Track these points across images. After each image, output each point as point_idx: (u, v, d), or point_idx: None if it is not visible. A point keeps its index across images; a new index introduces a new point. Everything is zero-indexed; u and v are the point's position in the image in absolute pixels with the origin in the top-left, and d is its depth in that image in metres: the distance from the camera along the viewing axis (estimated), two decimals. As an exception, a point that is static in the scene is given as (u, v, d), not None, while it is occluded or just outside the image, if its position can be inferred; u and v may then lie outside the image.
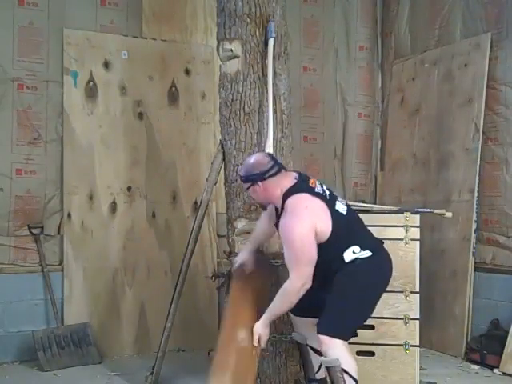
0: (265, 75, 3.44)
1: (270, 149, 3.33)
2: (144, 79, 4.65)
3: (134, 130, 4.61)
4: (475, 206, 4.43)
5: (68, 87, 4.43)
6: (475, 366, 4.13)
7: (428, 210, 3.96)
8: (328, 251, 2.76)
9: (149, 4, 4.71)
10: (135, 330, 4.53)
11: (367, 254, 2.77)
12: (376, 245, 2.87)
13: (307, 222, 2.69)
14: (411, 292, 3.58)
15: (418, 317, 3.58)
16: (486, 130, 4.46)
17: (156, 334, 4.07)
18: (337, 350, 2.70)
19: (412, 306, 3.58)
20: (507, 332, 4.04)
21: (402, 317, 3.56)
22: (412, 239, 3.61)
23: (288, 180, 2.84)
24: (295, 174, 2.88)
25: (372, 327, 3.58)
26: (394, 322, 3.58)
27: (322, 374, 3.01)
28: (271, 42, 3.41)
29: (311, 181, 2.85)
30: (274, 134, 3.46)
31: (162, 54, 4.70)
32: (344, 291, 2.78)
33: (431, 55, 4.97)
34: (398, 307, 3.58)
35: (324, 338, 2.73)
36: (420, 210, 3.87)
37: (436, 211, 3.89)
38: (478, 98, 4.48)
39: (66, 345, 4.21)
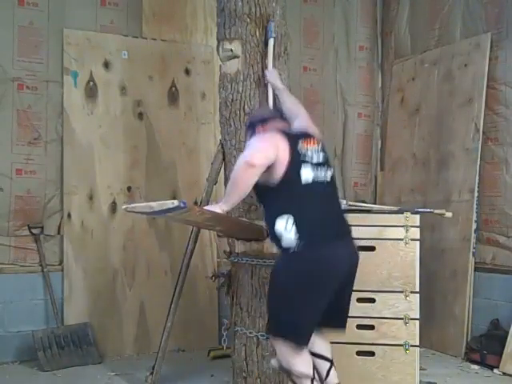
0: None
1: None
2: (144, 79, 4.65)
3: (134, 130, 4.61)
4: (475, 206, 4.43)
5: (68, 87, 4.43)
6: (475, 366, 4.13)
7: (428, 210, 3.96)
8: (268, 201, 2.72)
9: (149, 4, 4.71)
10: (135, 329, 4.54)
11: (294, 234, 2.57)
12: (327, 234, 2.65)
13: (271, 141, 2.64)
14: (411, 292, 3.58)
15: (417, 317, 3.58)
16: (486, 130, 4.46)
17: (156, 334, 4.08)
18: (279, 351, 2.70)
19: (412, 306, 3.58)
20: (507, 332, 4.04)
21: (402, 317, 3.56)
22: (412, 239, 3.61)
23: (285, 125, 2.87)
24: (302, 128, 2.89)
25: (372, 327, 3.59)
26: (393, 321, 3.58)
27: (334, 379, 2.91)
28: (271, 41, 3.41)
29: (308, 140, 2.73)
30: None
31: (162, 54, 4.70)
32: (277, 292, 2.69)
33: (431, 55, 4.97)
34: (398, 307, 3.58)
35: (271, 341, 2.75)
36: (420, 210, 3.87)
37: (436, 211, 3.89)
38: (478, 98, 4.48)
39: (66, 345, 4.22)
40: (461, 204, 4.49)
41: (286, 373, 2.74)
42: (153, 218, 4.56)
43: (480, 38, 4.53)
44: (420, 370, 3.61)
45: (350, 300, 2.89)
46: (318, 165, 2.71)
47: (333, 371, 2.90)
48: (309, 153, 2.70)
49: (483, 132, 4.45)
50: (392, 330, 3.58)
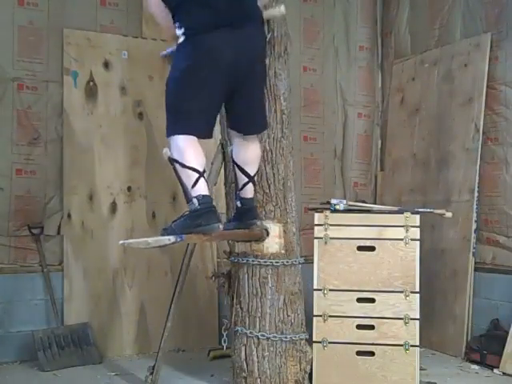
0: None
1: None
2: (144, 79, 4.65)
3: (133, 130, 4.61)
4: (475, 206, 4.43)
5: (68, 87, 4.43)
6: (475, 366, 4.12)
7: (428, 210, 3.96)
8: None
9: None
10: (135, 330, 4.53)
11: (183, 28, 2.75)
12: (212, 23, 2.74)
13: None
14: (411, 292, 3.58)
15: (418, 317, 3.58)
16: (486, 130, 4.46)
17: (156, 334, 4.07)
18: (174, 144, 2.79)
19: (412, 305, 3.58)
20: (507, 332, 4.04)
21: (402, 317, 3.57)
22: (412, 239, 3.61)
23: None
24: None
25: (372, 327, 3.59)
26: (393, 321, 3.58)
27: (246, 194, 3.12)
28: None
29: None
30: (273, 133, 3.47)
31: (161, 53, 4.70)
32: (168, 84, 2.88)
33: (431, 55, 4.97)
34: (398, 307, 3.58)
35: (168, 140, 2.83)
36: (420, 210, 3.87)
37: (436, 211, 3.89)
38: (477, 98, 4.48)
39: (66, 345, 4.21)
40: (461, 204, 4.49)
41: (176, 163, 2.82)
42: (152, 218, 4.58)
43: (480, 38, 4.53)
44: (420, 370, 3.61)
45: (257, 105, 3.02)
46: None
47: (249, 186, 3.10)
48: None
49: (483, 132, 4.45)
50: (392, 329, 3.58)
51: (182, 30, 2.78)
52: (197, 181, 2.76)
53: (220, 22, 2.73)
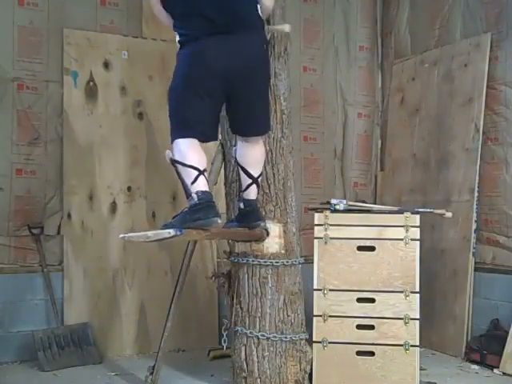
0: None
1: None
2: (144, 79, 4.65)
3: (134, 130, 4.61)
4: (475, 206, 4.43)
5: (68, 87, 4.43)
6: (475, 366, 4.12)
7: (428, 210, 3.96)
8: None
9: (149, 4, 4.69)
10: (135, 330, 4.54)
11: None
12: (203, 31, 2.83)
13: None
14: (411, 292, 3.58)
15: (418, 317, 3.58)
16: (486, 130, 4.46)
17: (156, 334, 4.07)
18: (176, 147, 2.93)
19: (412, 305, 3.58)
20: (507, 332, 4.04)
21: (402, 317, 3.57)
22: (412, 239, 3.61)
23: None
24: None
25: (372, 327, 3.59)
26: (394, 321, 3.58)
27: (249, 195, 3.15)
28: None
29: None
30: (273, 133, 3.47)
31: (162, 54, 4.69)
32: (169, 91, 3.02)
33: (431, 55, 4.97)
34: (398, 307, 3.58)
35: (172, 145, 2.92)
36: (420, 210, 3.87)
37: (436, 211, 3.89)
38: (478, 98, 4.48)
39: (66, 345, 4.21)
40: (461, 204, 4.49)
41: (177, 164, 2.93)
42: (152, 218, 4.58)
43: (480, 38, 4.53)
44: (420, 370, 3.61)
45: (258, 108, 3.06)
46: None
47: (253, 188, 3.13)
48: None
49: (483, 132, 4.45)
50: (392, 329, 3.58)
51: (178, 38, 2.91)
52: (196, 178, 2.83)
53: (214, 30, 2.82)
